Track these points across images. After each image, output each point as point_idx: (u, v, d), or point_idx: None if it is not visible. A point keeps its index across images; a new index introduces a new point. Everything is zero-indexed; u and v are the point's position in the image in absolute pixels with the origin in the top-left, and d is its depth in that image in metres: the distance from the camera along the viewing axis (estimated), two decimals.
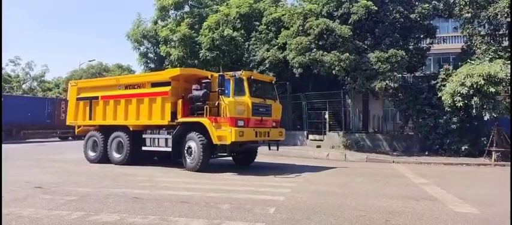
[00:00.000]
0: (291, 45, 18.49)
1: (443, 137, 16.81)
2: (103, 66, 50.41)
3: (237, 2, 23.33)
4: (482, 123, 15.99)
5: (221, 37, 22.26)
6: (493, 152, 14.59)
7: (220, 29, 22.55)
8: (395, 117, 21.76)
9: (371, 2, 17.37)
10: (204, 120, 10.71)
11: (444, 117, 16.67)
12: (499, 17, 15.86)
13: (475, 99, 14.18)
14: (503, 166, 13.71)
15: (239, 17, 22.86)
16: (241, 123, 10.62)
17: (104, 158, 13.02)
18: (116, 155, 12.81)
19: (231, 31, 22.35)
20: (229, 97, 10.60)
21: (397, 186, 8.82)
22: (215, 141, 10.49)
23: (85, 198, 6.66)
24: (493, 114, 14.05)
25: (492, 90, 13.71)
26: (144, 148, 12.29)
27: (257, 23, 22.69)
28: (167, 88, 11.45)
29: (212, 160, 11.54)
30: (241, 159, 12.97)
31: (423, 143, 17.64)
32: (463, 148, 16.25)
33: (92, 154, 13.41)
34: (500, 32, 16.88)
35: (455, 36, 24.58)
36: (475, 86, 14.00)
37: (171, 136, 11.32)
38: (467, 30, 17.31)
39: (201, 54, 23.36)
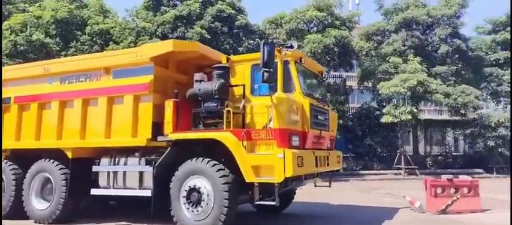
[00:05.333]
0: None
1: None
2: None
3: (52, 5, 19.12)
4: None
5: (28, 42, 17.41)
6: None
7: (28, 31, 17.93)
8: None
9: (205, 31, 17.54)
10: (226, 136, 5.87)
11: None
12: None
13: None
14: None
15: (55, 21, 18.52)
16: (296, 141, 5.96)
17: (16, 211, 7.14)
18: (38, 206, 6.98)
19: (43, 36, 17.91)
20: (270, 93, 5.83)
21: None
22: (250, 178, 5.65)
23: None
24: None
25: None
26: (94, 191, 6.76)
27: (79, 32, 18.97)
28: (146, 79, 6.37)
29: None
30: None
31: None
32: None
33: None
34: None
35: None
36: None
37: (151, 168, 6.22)
38: None
39: None
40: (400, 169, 19.26)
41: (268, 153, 5.71)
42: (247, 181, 5.65)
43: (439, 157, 23.81)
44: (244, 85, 6.25)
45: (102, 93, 6.71)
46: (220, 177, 5.71)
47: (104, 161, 6.78)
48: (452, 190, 8.35)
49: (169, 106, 6.24)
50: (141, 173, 6.40)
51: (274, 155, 5.55)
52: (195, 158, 6.01)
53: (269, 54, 5.55)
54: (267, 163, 5.62)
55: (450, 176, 8.69)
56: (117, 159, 6.69)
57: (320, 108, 6.82)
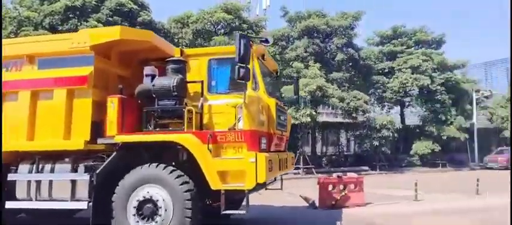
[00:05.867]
0: None
1: None
2: None
3: None
4: None
5: None
6: None
7: None
8: None
9: (102, 25, 16.45)
10: (188, 138, 5.37)
11: None
12: None
13: None
14: None
15: None
16: (264, 143, 5.67)
17: None
18: None
19: None
20: (230, 90, 5.72)
21: None
22: (216, 185, 5.20)
23: None
24: None
25: None
26: (9, 204, 5.77)
27: None
28: (84, 70, 5.61)
29: None
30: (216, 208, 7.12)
31: None
32: None
33: None
34: None
35: None
36: None
37: (88, 177, 5.51)
38: None
39: None
40: (299, 168, 20.48)
41: (238, 157, 5.25)
42: (213, 188, 5.13)
43: (333, 157, 26.09)
44: (202, 82, 5.73)
45: (24, 86, 5.68)
46: (181, 185, 5.14)
47: (23, 168, 5.72)
48: (341, 187, 9.23)
49: (113, 103, 5.45)
50: (73, 182, 5.52)
51: (246, 160, 5.13)
52: (148, 164, 5.34)
53: (245, 48, 5.05)
54: (236, 168, 5.18)
55: (340, 174, 9.63)
56: (41, 165, 5.68)
57: (282, 108, 6.67)
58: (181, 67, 5.76)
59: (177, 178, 5.22)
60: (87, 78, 5.47)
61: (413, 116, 28.76)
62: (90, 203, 5.32)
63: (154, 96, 5.59)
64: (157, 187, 5.27)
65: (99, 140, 5.59)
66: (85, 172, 5.55)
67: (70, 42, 5.76)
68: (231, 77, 5.60)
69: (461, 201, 10.71)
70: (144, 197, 5.27)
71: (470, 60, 30.86)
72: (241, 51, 5.05)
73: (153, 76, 5.79)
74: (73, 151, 5.59)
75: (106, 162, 5.40)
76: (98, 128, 5.60)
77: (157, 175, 5.27)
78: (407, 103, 28.08)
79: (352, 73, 24.20)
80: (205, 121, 5.63)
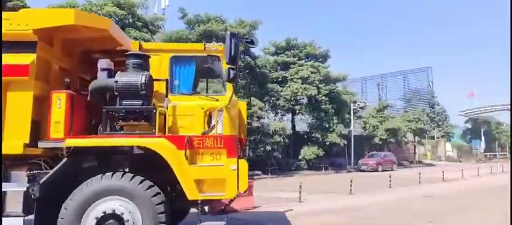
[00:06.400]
0: None
1: None
2: None
3: None
4: None
5: None
6: None
7: None
8: None
9: None
10: (162, 144, 4.85)
11: None
12: None
13: None
14: None
15: None
16: (239, 150, 5.30)
17: None
18: None
19: None
20: (193, 91, 5.41)
21: None
22: (193, 195, 4.82)
23: None
24: None
25: None
26: None
27: None
28: (24, 58, 4.67)
29: None
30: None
31: None
32: None
33: None
34: None
35: None
36: None
37: (23, 188, 4.65)
38: None
39: None
40: None
41: (218, 164, 4.89)
42: (190, 198, 4.74)
43: None
44: (167, 81, 5.15)
45: None
46: (153, 197, 4.59)
47: None
48: None
49: (60, 99, 4.65)
50: (3, 194, 4.52)
51: (226, 167, 4.82)
52: (111, 174, 4.66)
53: (236, 48, 4.68)
54: (216, 176, 4.86)
55: None
56: None
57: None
58: (145, 62, 5.11)
59: (147, 189, 4.65)
60: (29, 68, 4.55)
61: (303, 123, 31.12)
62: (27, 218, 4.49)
63: (116, 93, 4.87)
64: (121, 200, 4.60)
65: (41, 144, 4.66)
66: (30, 183, 4.65)
67: (8, 23, 4.72)
68: (196, 77, 5.36)
69: (337, 201, 11.83)
70: (104, 212, 4.54)
71: (350, 74, 34.84)
72: (232, 52, 4.70)
73: (109, 71, 5.06)
74: (8, 156, 4.55)
75: (54, 170, 4.59)
76: (38, 130, 4.74)
77: (123, 187, 4.61)
78: (297, 111, 30.22)
79: (249, 80, 24.95)
80: (169, 124, 5.05)
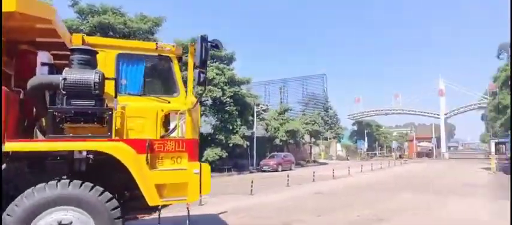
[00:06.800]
0: None
1: None
2: None
3: None
4: None
5: None
6: None
7: None
8: None
9: None
10: (121, 147, 4.59)
11: None
12: None
13: None
14: None
15: None
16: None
17: None
18: None
19: None
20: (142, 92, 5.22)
21: None
22: (154, 200, 4.69)
23: None
24: None
25: None
26: None
27: None
28: None
29: None
30: None
31: None
32: None
33: None
34: None
35: None
36: None
37: None
38: None
39: None
40: None
41: (181, 168, 4.91)
42: (150, 204, 4.66)
43: None
44: (115, 80, 4.82)
45: None
46: (107, 203, 4.37)
47: None
48: None
49: None
50: None
51: (189, 171, 4.87)
52: (59, 182, 4.30)
53: (207, 52, 4.80)
54: (178, 180, 4.86)
55: None
56: None
57: None
58: (93, 59, 4.71)
59: (100, 195, 4.38)
60: None
61: (206, 125, 30.96)
62: None
63: (64, 92, 4.40)
64: (69, 209, 4.29)
65: None
66: None
67: None
68: (144, 77, 5.13)
69: (239, 202, 11.93)
70: (57, 222, 4.22)
71: (254, 77, 35.99)
72: (203, 55, 4.76)
73: (51, 66, 4.70)
74: None
75: None
76: None
77: (72, 195, 4.28)
78: (201, 113, 29.89)
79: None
80: (117, 126, 4.75)
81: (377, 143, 72.11)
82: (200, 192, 4.97)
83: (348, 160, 54.96)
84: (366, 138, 64.90)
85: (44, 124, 4.73)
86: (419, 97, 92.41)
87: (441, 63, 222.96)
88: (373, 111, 72.68)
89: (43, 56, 4.78)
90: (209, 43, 5.20)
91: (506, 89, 29.68)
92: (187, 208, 6.69)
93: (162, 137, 4.97)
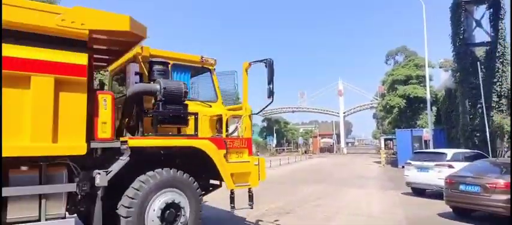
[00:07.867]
0: None
1: None
2: None
3: None
4: None
5: None
6: None
7: None
8: None
9: None
10: (208, 144, 5.74)
11: None
12: None
13: None
14: None
15: None
16: None
17: None
18: None
19: None
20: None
21: None
22: (231, 185, 6.00)
23: None
24: None
25: None
26: None
27: None
28: (79, 58, 4.61)
29: None
30: None
31: None
32: None
33: None
34: None
35: None
36: None
37: (73, 187, 4.73)
38: None
39: None
40: None
41: (245, 161, 6.27)
42: (228, 188, 6.06)
43: None
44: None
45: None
46: (197, 189, 5.61)
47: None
48: None
49: (105, 100, 4.87)
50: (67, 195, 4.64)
51: (251, 163, 6.26)
52: (167, 169, 5.35)
53: (272, 72, 6.20)
54: (244, 170, 6.18)
55: None
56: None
57: None
58: (167, 69, 5.81)
59: (194, 183, 5.59)
60: (86, 68, 4.56)
61: None
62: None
63: (163, 99, 5.41)
64: (176, 192, 5.37)
65: (95, 144, 4.79)
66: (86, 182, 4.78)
67: (61, 19, 4.51)
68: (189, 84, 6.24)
69: None
70: (166, 203, 5.20)
71: None
72: (272, 75, 6.19)
73: (141, 76, 5.64)
74: (66, 157, 4.60)
75: (117, 169, 4.86)
76: (91, 127, 4.84)
77: (180, 180, 5.44)
78: None
79: None
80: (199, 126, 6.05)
81: (285, 139, 76.04)
82: (259, 179, 6.30)
83: (258, 155, 56.68)
84: (275, 134, 67.84)
85: (132, 124, 5.60)
86: (323, 95, 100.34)
87: (340, 64, 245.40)
88: (280, 108, 76.37)
89: (134, 67, 5.64)
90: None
91: (392, 92, 33.87)
92: (250, 191, 6.70)
93: (227, 136, 6.18)
